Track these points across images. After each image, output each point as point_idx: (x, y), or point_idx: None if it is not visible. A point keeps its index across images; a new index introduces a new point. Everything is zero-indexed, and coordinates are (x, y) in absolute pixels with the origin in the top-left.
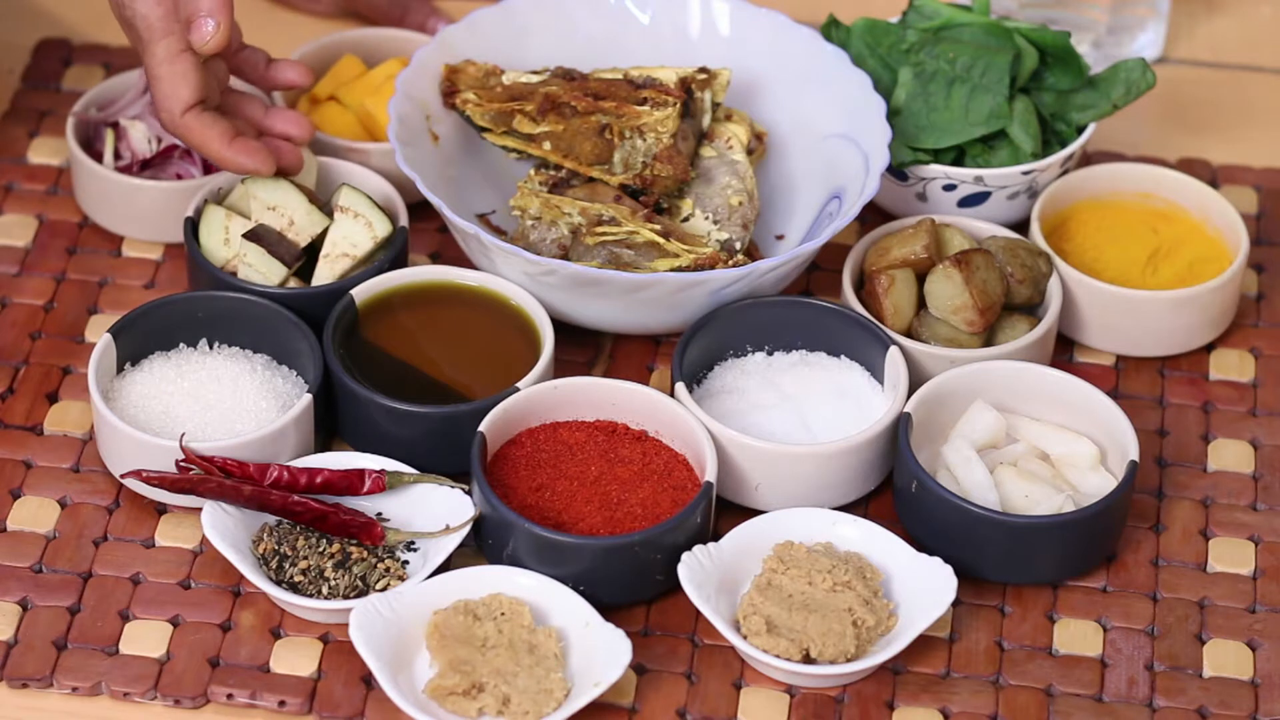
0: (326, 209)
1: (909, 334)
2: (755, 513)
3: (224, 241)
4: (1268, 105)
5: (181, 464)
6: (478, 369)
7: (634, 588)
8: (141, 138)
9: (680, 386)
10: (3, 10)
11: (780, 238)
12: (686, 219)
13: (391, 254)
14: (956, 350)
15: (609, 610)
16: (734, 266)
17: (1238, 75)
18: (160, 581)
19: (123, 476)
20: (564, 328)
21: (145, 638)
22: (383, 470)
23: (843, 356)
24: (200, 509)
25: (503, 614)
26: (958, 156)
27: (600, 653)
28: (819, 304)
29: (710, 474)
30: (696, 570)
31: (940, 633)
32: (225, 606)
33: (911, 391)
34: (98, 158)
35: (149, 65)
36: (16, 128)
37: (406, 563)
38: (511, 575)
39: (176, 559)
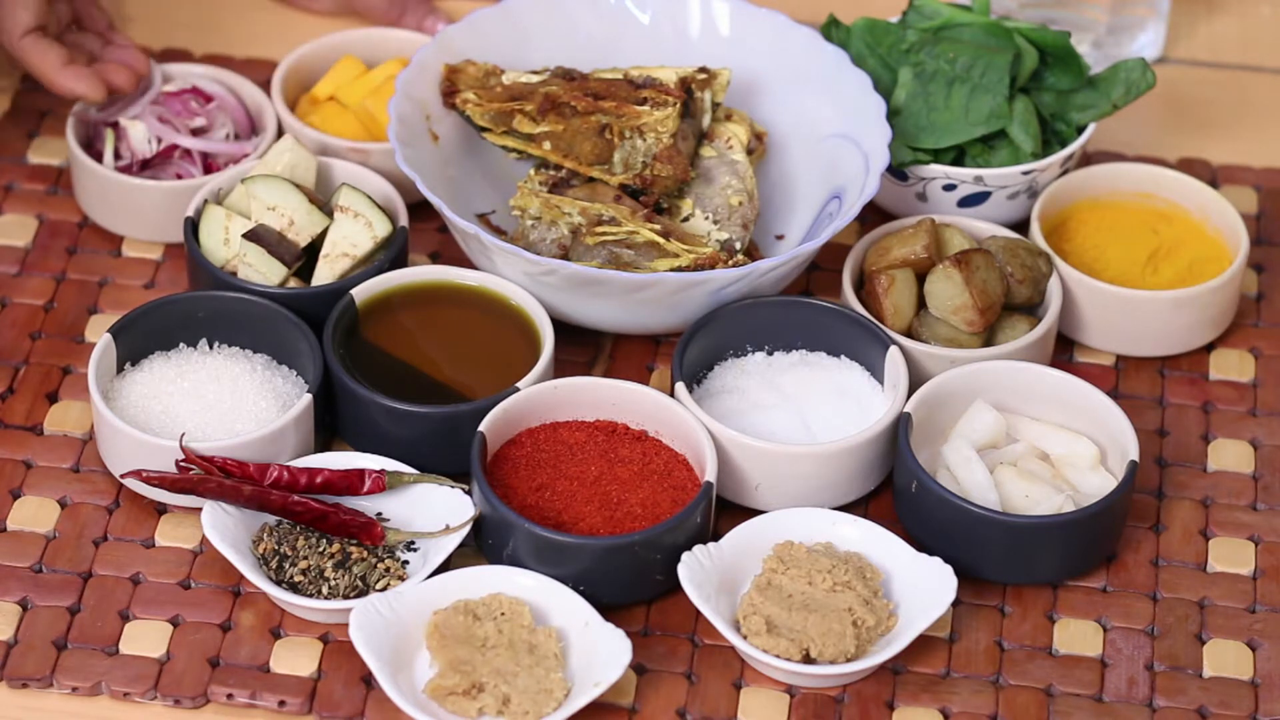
0: (326, 209)
1: (909, 334)
2: (755, 513)
3: (224, 241)
4: (1268, 105)
5: (181, 464)
6: (478, 369)
7: (634, 588)
8: (141, 138)
9: (680, 386)
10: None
11: (780, 238)
12: (686, 219)
13: (391, 254)
14: (956, 350)
15: (609, 610)
16: (734, 266)
17: (1238, 75)
18: (160, 581)
19: (123, 476)
20: (564, 328)
21: (145, 638)
22: (383, 470)
23: (843, 356)
24: (200, 509)
25: (503, 614)
26: (958, 156)
27: (600, 653)
28: (819, 304)
29: (710, 474)
30: (696, 570)
31: (940, 633)
32: (225, 606)
33: (911, 391)
34: (98, 158)
35: None
36: (16, 128)
37: (406, 563)
38: (511, 575)
39: (176, 559)
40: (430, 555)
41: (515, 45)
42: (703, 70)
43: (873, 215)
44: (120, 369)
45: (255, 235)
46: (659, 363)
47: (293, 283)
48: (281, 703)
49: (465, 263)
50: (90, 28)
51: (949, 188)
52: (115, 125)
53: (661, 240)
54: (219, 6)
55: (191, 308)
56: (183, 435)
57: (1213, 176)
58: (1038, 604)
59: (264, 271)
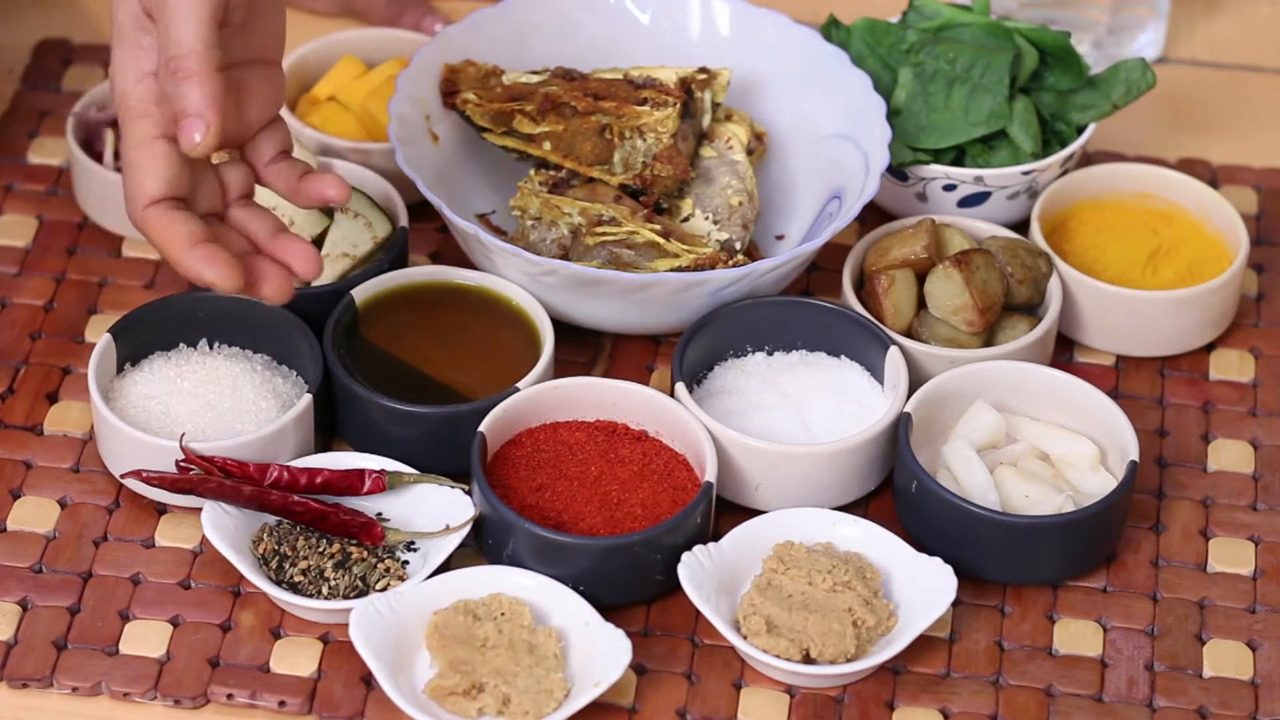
0: (326, 209)
1: (909, 334)
2: (755, 513)
3: None
4: (1268, 105)
5: (181, 464)
6: (478, 369)
7: (634, 588)
8: None
9: (680, 386)
10: (3, 10)
11: (780, 238)
12: (686, 219)
13: (391, 254)
14: (956, 350)
15: (609, 610)
16: (734, 266)
17: (1238, 75)
18: (160, 581)
19: (123, 476)
20: (564, 328)
21: (145, 638)
22: (383, 470)
23: (843, 356)
24: (200, 509)
25: (503, 614)
26: (958, 156)
27: (600, 653)
28: (819, 304)
29: (710, 474)
30: (696, 570)
31: (940, 633)
32: (225, 606)
33: (911, 391)
34: (98, 158)
35: (122, 146)
36: (16, 128)
37: (406, 563)
38: (511, 575)
39: (176, 559)
40: (430, 555)
41: (515, 45)
42: (703, 70)
43: (873, 215)
44: (120, 369)
45: None
46: (659, 363)
47: None
48: (281, 703)
49: (465, 263)
50: (276, 185)
51: (949, 188)
52: (115, 125)
53: (661, 240)
54: None
55: (191, 308)
56: (183, 435)
57: (1213, 176)
58: (1038, 604)
59: None
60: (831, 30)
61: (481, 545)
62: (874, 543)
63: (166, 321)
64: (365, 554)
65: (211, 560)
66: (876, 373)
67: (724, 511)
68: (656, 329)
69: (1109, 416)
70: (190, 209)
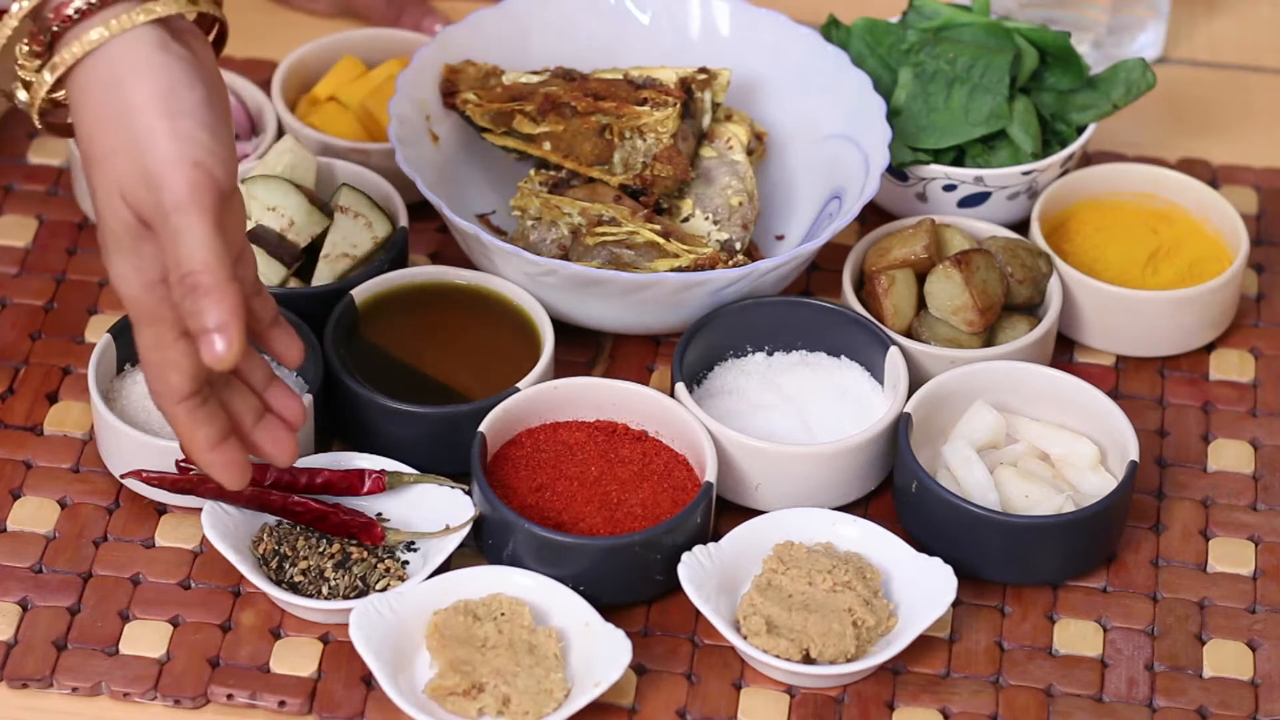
0: (326, 209)
1: (909, 334)
2: (755, 513)
3: None
4: (1268, 105)
5: (181, 464)
6: (478, 369)
7: (634, 588)
8: None
9: (680, 387)
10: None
11: (780, 238)
12: (686, 219)
13: (391, 254)
14: (956, 350)
15: (609, 610)
16: (734, 266)
17: (1238, 75)
18: (160, 582)
19: (123, 476)
20: (564, 328)
21: (145, 638)
22: (382, 470)
23: (843, 356)
24: (200, 509)
25: (503, 614)
26: (958, 157)
27: (600, 653)
28: (819, 304)
29: (710, 474)
30: (696, 570)
31: (940, 633)
32: (225, 607)
33: (911, 391)
34: None
35: (139, 347)
36: (16, 128)
37: (406, 563)
38: (511, 575)
39: (176, 559)
40: (430, 555)
41: (515, 45)
42: (703, 70)
43: (873, 215)
44: (120, 369)
45: (254, 236)
46: (659, 363)
47: (293, 283)
48: (281, 703)
49: (465, 263)
50: (246, 379)
51: (949, 188)
52: None
53: (661, 240)
54: None
55: None
56: None
57: (1213, 176)
58: (1038, 604)
59: (263, 272)
60: (831, 30)
61: (481, 545)
62: (874, 543)
63: None
64: (365, 554)
65: (211, 560)
66: (876, 373)
67: (724, 511)
68: (656, 329)
69: (1109, 416)
70: (211, 394)
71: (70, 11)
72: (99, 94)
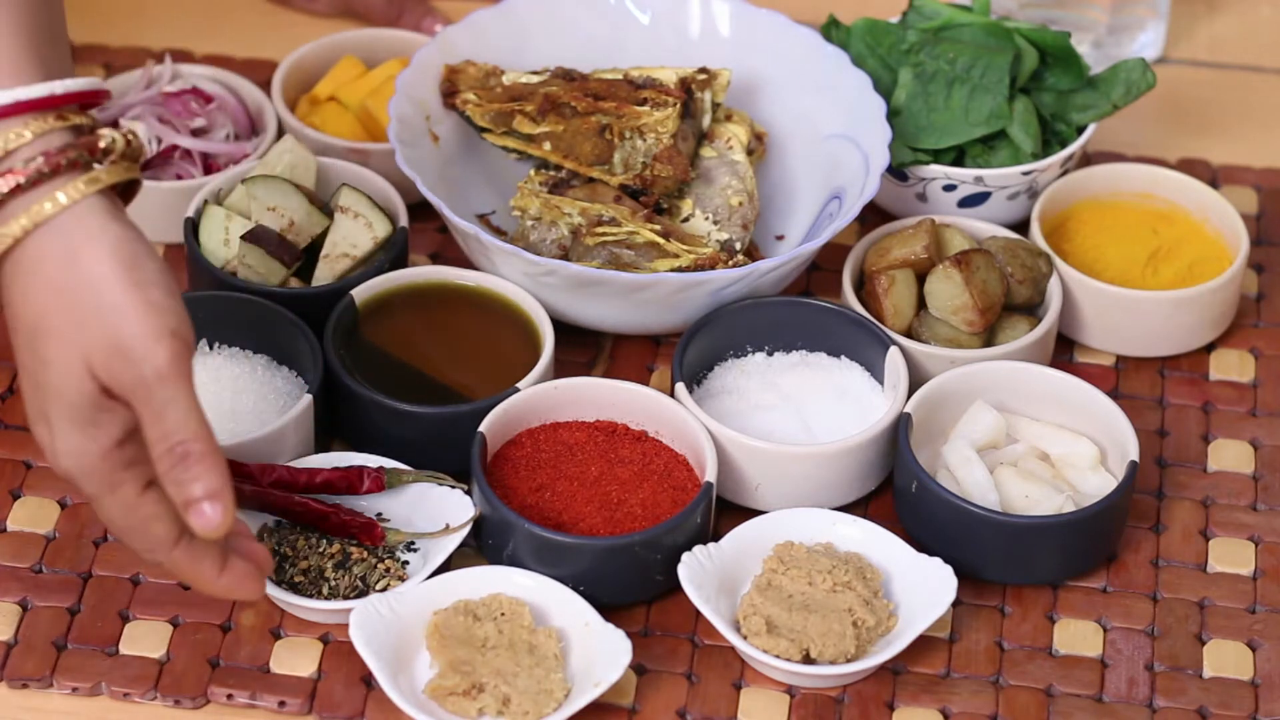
0: (326, 209)
1: (909, 334)
2: (755, 513)
3: (224, 242)
4: (1268, 105)
5: None
6: (478, 369)
7: (634, 588)
8: (141, 138)
9: (680, 387)
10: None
11: (780, 238)
12: (686, 219)
13: (391, 254)
14: (956, 350)
15: (609, 610)
16: (734, 267)
17: (1238, 75)
18: (160, 581)
19: None
20: (564, 328)
21: (145, 638)
22: (382, 469)
23: (843, 356)
24: None
25: (503, 614)
26: (958, 157)
27: (600, 653)
28: (819, 304)
29: (710, 474)
30: (696, 570)
31: (940, 633)
32: (225, 607)
33: (911, 391)
34: None
35: (101, 515)
36: None
37: (406, 563)
38: (511, 575)
39: None
40: (430, 555)
41: (515, 45)
42: (703, 71)
43: (873, 215)
44: None
45: (254, 236)
46: (659, 363)
47: (293, 283)
48: (281, 703)
49: (465, 263)
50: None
51: (949, 188)
52: (115, 125)
53: (661, 240)
54: (219, 7)
55: (191, 308)
56: None
57: (1213, 176)
58: (1038, 604)
59: (263, 273)
60: (831, 30)
61: (481, 545)
62: (874, 543)
63: None
64: (365, 554)
65: None
66: (876, 373)
67: (724, 511)
68: (656, 329)
69: (1109, 416)
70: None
71: (18, 182)
72: (54, 267)
